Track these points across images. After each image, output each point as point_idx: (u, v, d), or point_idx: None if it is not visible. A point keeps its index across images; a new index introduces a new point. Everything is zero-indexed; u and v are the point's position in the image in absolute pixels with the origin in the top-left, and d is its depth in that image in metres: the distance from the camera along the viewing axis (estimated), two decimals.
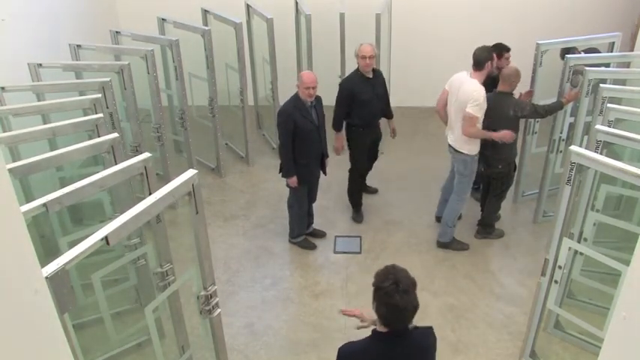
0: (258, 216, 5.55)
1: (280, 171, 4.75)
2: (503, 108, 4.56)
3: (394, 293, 2.21)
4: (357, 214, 5.46)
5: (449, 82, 4.67)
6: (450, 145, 4.76)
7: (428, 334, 2.47)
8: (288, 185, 4.76)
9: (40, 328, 1.40)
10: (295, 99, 4.52)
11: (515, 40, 6.73)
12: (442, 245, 5.05)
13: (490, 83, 4.68)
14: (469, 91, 4.38)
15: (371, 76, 4.86)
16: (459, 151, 4.65)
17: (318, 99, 4.65)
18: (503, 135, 4.54)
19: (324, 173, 4.96)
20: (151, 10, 6.37)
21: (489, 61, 4.44)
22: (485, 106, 4.44)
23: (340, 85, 4.96)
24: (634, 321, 1.37)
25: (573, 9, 7.11)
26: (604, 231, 3.80)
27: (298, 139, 4.55)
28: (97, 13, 6.91)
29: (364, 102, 4.85)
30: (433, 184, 5.33)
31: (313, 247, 5.06)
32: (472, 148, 4.61)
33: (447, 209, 4.95)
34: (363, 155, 5.20)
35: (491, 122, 4.71)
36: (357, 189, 5.41)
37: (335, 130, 5.04)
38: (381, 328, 2.36)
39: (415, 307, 2.27)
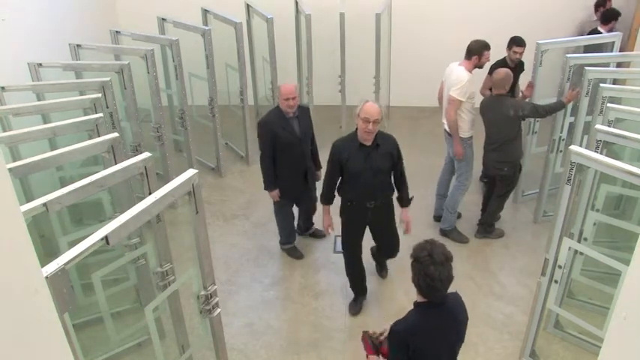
0: (258, 215, 5.55)
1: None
2: (502, 109, 4.59)
3: (429, 264, 2.40)
4: (354, 303, 4.37)
5: (444, 74, 4.93)
6: (445, 130, 4.96)
7: (458, 298, 2.66)
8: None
9: (40, 328, 1.40)
10: (276, 110, 4.38)
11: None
12: (443, 233, 5.12)
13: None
14: (454, 77, 4.69)
15: (369, 144, 3.80)
16: (451, 135, 4.85)
17: (304, 110, 4.48)
18: (456, 147, 4.80)
19: (312, 184, 4.67)
20: (151, 9, 6.37)
21: (477, 55, 4.68)
22: (470, 90, 4.68)
23: (332, 145, 3.97)
24: (634, 321, 1.37)
25: (573, 9, 7.11)
26: (604, 231, 3.80)
27: (279, 152, 4.37)
28: (97, 13, 6.91)
29: (353, 173, 3.86)
30: (433, 184, 5.32)
31: (300, 256, 4.93)
32: (463, 132, 4.78)
33: (449, 195, 5.07)
34: (351, 236, 4.17)
35: (492, 125, 4.74)
36: (351, 272, 4.32)
37: (321, 203, 4.18)
38: (420, 299, 2.55)
39: (449, 278, 2.45)
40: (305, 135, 4.45)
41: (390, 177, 4.00)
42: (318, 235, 5.17)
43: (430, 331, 2.55)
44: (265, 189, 4.55)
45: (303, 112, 4.46)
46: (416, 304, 2.59)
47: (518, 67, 5.39)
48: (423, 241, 2.54)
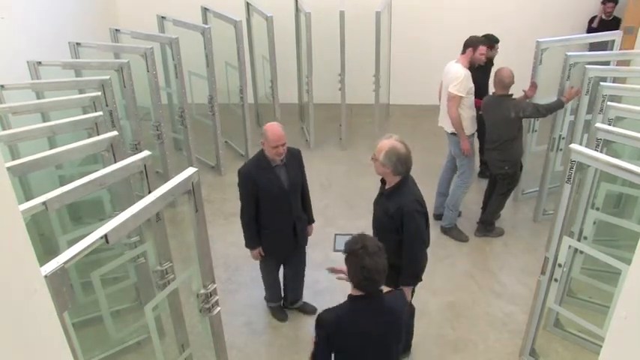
0: None
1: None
2: (504, 110, 4.60)
3: (364, 255, 2.39)
4: None
5: (443, 73, 4.95)
6: (445, 130, 4.99)
7: (399, 296, 2.66)
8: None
9: (39, 327, 1.40)
10: (259, 157, 3.69)
11: (516, 38, 6.75)
12: (443, 230, 5.14)
13: (479, 70, 5.05)
14: (452, 73, 4.72)
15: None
16: (453, 133, 4.87)
17: (293, 155, 3.77)
18: (463, 145, 4.81)
19: (302, 244, 4.06)
20: (151, 8, 6.36)
21: (472, 47, 4.75)
22: (468, 85, 4.69)
23: None
24: (635, 320, 1.37)
25: (573, 8, 7.11)
26: (604, 229, 3.80)
27: (263, 205, 3.73)
28: (97, 11, 6.90)
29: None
30: (433, 183, 5.32)
31: (283, 318, 4.27)
32: (465, 129, 4.81)
33: (450, 193, 5.09)
34: None
35: (492, 124, 4.73)
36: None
37: None
38: (355, 292, 2.52)
39: (384, 268, 2.43)
40: (293, 185, 3.77)
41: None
42: (308, 310, 4.34)
43: (358, 325, 2.51)
44: (246, 246, 3.96)
45: (293, 157, 3.77)
46: (350, 297, 2.56)
47: (490, 64, 5.50)
48: (356, 234, 2.53)
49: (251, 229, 3.83)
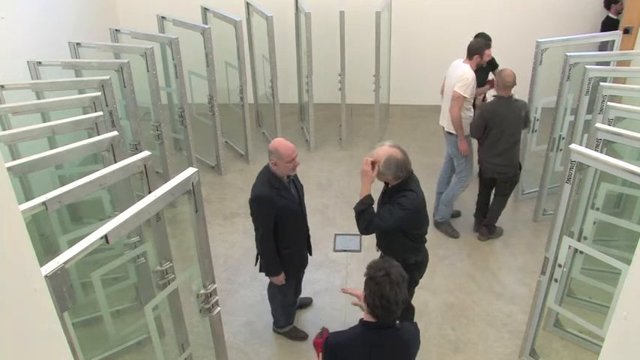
0: None
1: (257, 264, 3.80)
2: (516, 110, 4.59)
3: (385, 283, 2.27)
4: None
5: (448, 71, 4.95)
6: (443, 129, 5.01)
7: (412, 329, 2.55)
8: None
9: (39, 327, 1.40)
10: (269, 177, 3.47)
11: (515, 38, 6.76)
12: (435, 224, 5.19)
13: (480, 71, 5.04)
14: (459, 74, 4.70)
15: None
16: (451, 133, 4.88)
17: None
18: (461, 145, 4.82)
19: (310, 253, 3.99)
20: (151, 8, 6.36)
21: (477, 54, 4.75)
22: (473, 87, 4.70)
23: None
24: (635, 321, 1.37)
25: (573, 8, 7.11)
26: (604, 229, 3.80)
27: (281, 225, 3.55)
28: (97, 11, 6.90)
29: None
30: (432, 183, 5.32)
31: (304, 336, 4.12)
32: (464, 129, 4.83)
33: (447, 189, 5.12)
34: None
35: (503, 128, 4.63)
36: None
37: None
38: (368, 318, 2.41)
39: (403, 300, 2.33)
40: (302, 198, 3.73)
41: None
42: (304, 303, 4.42)
43: (369, 355, 2.39)
44: (268, 274, 3.75)
45: None
46: (363, 322, 2.43)
47: (490, 65, 5.48)
48: (380, 259, 2.43)
49: (274, 255, 3.64)
